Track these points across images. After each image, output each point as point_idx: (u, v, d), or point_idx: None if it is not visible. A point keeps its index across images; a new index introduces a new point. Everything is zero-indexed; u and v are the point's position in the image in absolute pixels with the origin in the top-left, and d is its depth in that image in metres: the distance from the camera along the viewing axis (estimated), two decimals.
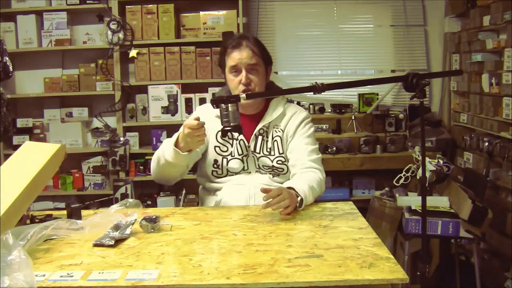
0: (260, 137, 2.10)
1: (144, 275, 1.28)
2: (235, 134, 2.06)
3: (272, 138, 2.10)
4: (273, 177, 2.10)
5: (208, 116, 2.12)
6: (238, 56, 2.04)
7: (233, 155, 2.08)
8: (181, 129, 1.89)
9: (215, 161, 2.09)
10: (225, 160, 2.08)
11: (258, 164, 2.08)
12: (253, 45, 2.06)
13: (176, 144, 1.89)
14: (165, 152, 1.92)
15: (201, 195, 2.24)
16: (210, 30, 3.86)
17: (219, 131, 2.09)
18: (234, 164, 2.08)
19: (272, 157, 2.08)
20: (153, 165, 2.02)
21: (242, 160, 2.08)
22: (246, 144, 2.08)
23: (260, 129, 2.10)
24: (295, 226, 1.68)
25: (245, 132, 2.08)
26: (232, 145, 2.09)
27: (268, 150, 2.09)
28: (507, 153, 3.04)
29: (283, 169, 2.09)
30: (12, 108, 3.97)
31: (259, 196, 2.01)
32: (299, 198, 1.83)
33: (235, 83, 2.06)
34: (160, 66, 3.89)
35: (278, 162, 2.08)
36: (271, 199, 1.73)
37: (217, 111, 2.09)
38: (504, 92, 3.08)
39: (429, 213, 2.44)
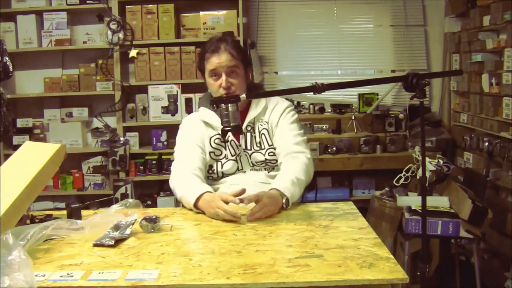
0: (248, 134, 2.12)
1: (144, 275, 1.28)
2: (229, 135, 2.07)
3: (259, 132, 2.12)
4: (268, 172, 2.10)
5: (197, 124, 2.15)
6: (217, 60, 2.04)
7: (227, 157, 2.10)
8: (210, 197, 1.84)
9: (210, 166, 2.11)
10: (219, 163, 2.10)
11: (251, 162, 2.10)
12: (232, 48, 2.07)
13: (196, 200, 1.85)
14: (184, 200, 1.91)
15: None
16: (210, 30, 3.86)
17: (212, 136, 2.11)
18: (228, 166, 2.09)
19: (263, 151, 2.10)
20: (173, 189, 2.03)
21: (236, 161, 2.09)
22: (237, 143, 2.10)
23: (247, 125, 2.12)
24: (295, 226, 1.68)
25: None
26: (225, 148, 2.10)
27: (258, 145, 2.11)
28: (507, 153, 3.04)
29: (276, 160, 2.10)
30: (12, 108, 3.97)
31: None
32: (284, 199, 1.85)
33: (216, 87, 2.07)
34: (160, 66, 3.89)
35: (270, 154, 2.10)
36: (254, 209, 1.75)
37: (203, 117, 2.14)
38: (504, 92, 3.08)
39: (429, 213, 2.44)
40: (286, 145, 2.06)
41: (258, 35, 4.27)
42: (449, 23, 4.04)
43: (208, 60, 2.07)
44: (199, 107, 2.23)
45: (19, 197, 1.53)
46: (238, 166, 2.10)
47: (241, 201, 1.78)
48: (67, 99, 4.08)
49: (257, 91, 2.25)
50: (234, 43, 2.12)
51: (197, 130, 2.14)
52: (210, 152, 2.11)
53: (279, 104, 2.16)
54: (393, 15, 4.31)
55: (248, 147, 2.10)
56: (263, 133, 2.12)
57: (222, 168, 2.09)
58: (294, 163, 1.99)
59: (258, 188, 2.04)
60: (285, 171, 1.98)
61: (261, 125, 2.13)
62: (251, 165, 2.10)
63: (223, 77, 2.04)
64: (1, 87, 3.69)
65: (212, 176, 2.11)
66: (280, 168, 2.04)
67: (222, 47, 2.05)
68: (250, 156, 2.09)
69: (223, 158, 2.10)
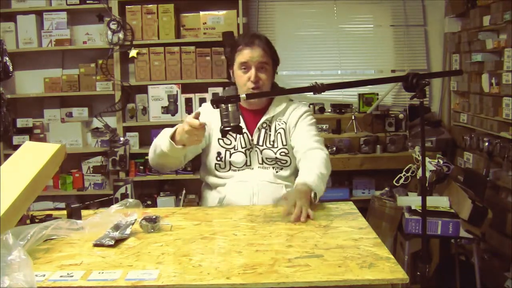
0: (263, 130, 2.14)
1: (144, 275, 1.28)
2: (244, 129, 2.08)
3: (275, 131, 2.14)
4: (276, 172, 2.10)
5: (211, 111, 2.14)
6: (249, 54, 2.08)
7: (236, 148, 2.11)
8: (181, 124, 1.88)
9: (218, 153, 2.12)
10: (228, 153, 2.10)
11: (262, 158, 2.10)
12: (265, 44, 2.13)
13: (173, 136, 1.88)
14: (161, 142, 1.92)
15: (204, 192, 2.24)
16: (210, 30, 3.85)
17: None
18: (237, 158, 2.10)
19: (275, 149, 2.11)
20: (150, 152, 2.03)
21: (245, 154, 2.10)
22: (250, 137, 2.10)
23: (263, 122, 2.14)
24: (295, 226, 1.68)
25: (249, 126, 2.13)
26: (235, 139, 2.11)
27: (271, 142, 2.12)
28: (507, 153, 3.04)
29: (286, 161, 2.12)
30: (12, 108, 3.97)
31: (262, 194, 2.03)
32: (313, 193, 1.84)
33: (244, 80, 2.10)
34: (160, 66, 3.89)
35: (282, 153, 2.11)
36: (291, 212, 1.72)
37: None
38: (504, 92, 3.08)
39: (429, 213, 2.44)
40: (306, 142, 2.09)
41: None
42: (449, 23, 4.04)
43: (240, 52, 2.11)
44: None
45: (19, 197, 1.53)
46: (246, 161, 2.10)
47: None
48: (67, 99, 4.08)
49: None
50: (267, 40, 2.18)
51: (208, 116, 2.11)
52: (219, 139, 2.12)
53: (299, 108, 2.21)
54: (393, 15, 4.31)
55: (260, 143, 2.12)
56: (279, 132, 2.14)
57: (230, 157, 2.10)
58: (315, 158, 2.01)
59: (265, 187, 2.06)
60: (308, 166, 1.98)
61: (278, 124, 2.16)
62: (261, 161, 2.11)
63: (252, 71, 2.08)
64: (1, 87, 3.69)
65: (219, 164, 2.11)
66: (299, 165, 2.05)
67: (256, 42, 2.11)
68: (261, 151, 2.11)
69: (232, 148, 2.11)
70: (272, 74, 2.16)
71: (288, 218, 1.72)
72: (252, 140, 2.11)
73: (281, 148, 2.12)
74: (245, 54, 2.09)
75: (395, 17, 4.30)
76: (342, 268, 1.30)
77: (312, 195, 1.84)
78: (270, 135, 2.13)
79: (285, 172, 2.12)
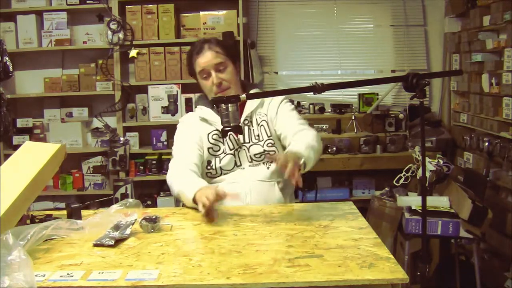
0: (246, 128, 2.14)
1: (144, 275, 1.28)
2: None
3: (258, 125, 2.15)
4: (268, 168, 2.09)
5: (194, 122, 2.19)
6: (203, 60, 2.11)
7: (225, 152, 2.11)
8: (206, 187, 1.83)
9: (209, 162, 2.12)
10: (217, 159, 2.11)
11: (250, 156, 2.10)
12: (215, 45, 2.14)
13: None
14: (184, 198, 1.89)
15: None
16: (210, 30, 3.86)
17: (209, 132, 2.13)
18: (226, 160, 2.10)
19: (261, 142, 2.12)
20: (173, 193, 2.01)
21: (233, 155, 2.10)
22: (235, 137, 2.11)
23: (244, 119, 2.15)
24: (295, 226, 1.68)
25: None
26: (223, 143, 2.12)
27: (257, 137, 2.13)
28: (507, 153, 3.04)
29: (274, 151, 2.12)
30: (12, 108, 3.97)
31: (254, 193, 2.04)
32: (302, 161, 1.83)
33: (209, 86, 2.13)
34: (160, 66, 3.89)
35: (268, 145, 2.12)
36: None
37: (200, 114, 2.17)
38: (504, 92, 3.08)
39: (429, 213, 2.44)
40: (292, 126, 2.10)
41: (258, 35, 4.27)
42: (449, 23, 4.04)
43: (195, 62, 2.14)
44: (195, 107, 2.26)
45: (19, 197, 1.53)
46: (236, 161, 2.11)
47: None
48: (67, 99, 4.08)
49: (253, 88, 2.27)
50: (217, 41, 2.19)
51: (194, 128, 2.16)
52: (208, 148, 2.12)
53: (275, 98, 2.22)
54: (393, 15, 4.31)
55: (247, 140, 2.12)
56: (262, 125, 2.15)
57: (220, 163, 2.10)
58: (304, 135, 2.02)
59: (256, 186, 2.06)
60: (298, 141, 1.99)
61: (259, 117, 2.17)
62: (250, 159, 2.11)
63: (213, 74, 2.10)
64: (1, 87, 3.69)
65: (210, 173, 2.12)
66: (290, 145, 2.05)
67: (205, 47, 2.13)
68: (248, 149, 2.11)
69: (221, 153, 2.11)
70: (234, 70, 2.16)
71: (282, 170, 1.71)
72: (238, 139, 2.12)
73: (267, 140, 2.12)
74: (200, 63, 2.12)
75: (395, 17, 4.30)
76: (342, 268, 1.30)
77: (301, 162, 1.82)
78: (253, 130, 2.14)
79: (275, 166, 2.10)
